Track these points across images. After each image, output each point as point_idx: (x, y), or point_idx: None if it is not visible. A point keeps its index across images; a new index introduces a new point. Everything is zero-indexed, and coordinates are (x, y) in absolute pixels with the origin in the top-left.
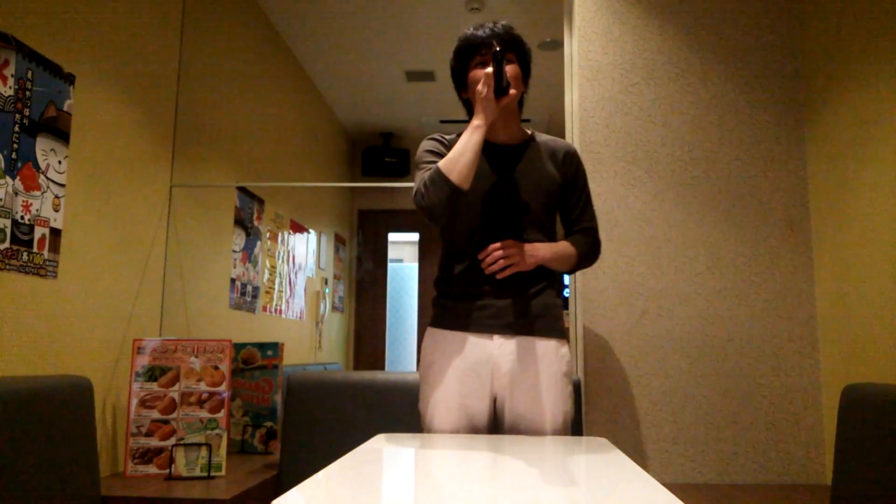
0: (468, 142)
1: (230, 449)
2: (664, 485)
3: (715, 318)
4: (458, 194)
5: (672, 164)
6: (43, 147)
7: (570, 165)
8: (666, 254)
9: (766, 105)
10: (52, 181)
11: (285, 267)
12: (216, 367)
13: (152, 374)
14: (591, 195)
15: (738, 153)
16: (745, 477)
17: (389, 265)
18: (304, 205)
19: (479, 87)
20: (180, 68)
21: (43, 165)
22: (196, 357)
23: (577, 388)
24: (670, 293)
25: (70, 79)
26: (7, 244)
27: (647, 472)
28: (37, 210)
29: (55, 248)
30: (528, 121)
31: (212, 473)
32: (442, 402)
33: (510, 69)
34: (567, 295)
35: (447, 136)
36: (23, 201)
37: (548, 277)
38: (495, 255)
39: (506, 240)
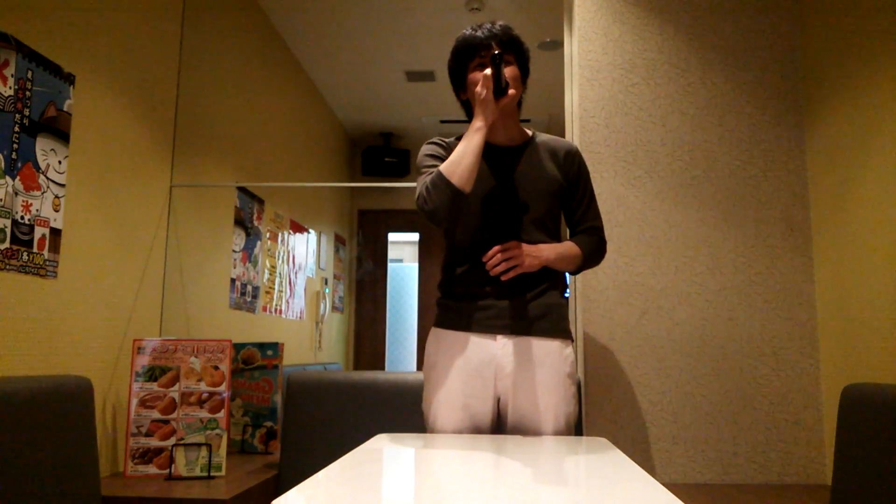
0: (469, 144)
1: (230, 449)
2: (664, 485)
3: (715, 318)
4: (460, 197)
5: (672, 164)
6: (43, 147)
7: (572, 165)
8: (666, 254)
9: (766, 105)
10: (52, 181)
11: (285, 267)
12: (216, 367)
13: (152, 374)
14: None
15: (738, 153)
16: (745, 477)
17: (389, 265)
18: (304, 205)
19: (478, 88)
20: (180, 68)
21: (43, 165)
22: (196, 357)
23: (577, 388)
24: (670, 293)
25: (70, 79)
26: (7, 244)
27: (647, 472)
28: (37, 210)
29: (55, 248)
30: (527, 121)
31: (212, 473)
32: (445, 403)
33: (509, 70)
34: (567, 295)
35: (447, 140)
36: (23, 201)
37: (550, 278)
38: (498, 258)
39: (508, 241)
